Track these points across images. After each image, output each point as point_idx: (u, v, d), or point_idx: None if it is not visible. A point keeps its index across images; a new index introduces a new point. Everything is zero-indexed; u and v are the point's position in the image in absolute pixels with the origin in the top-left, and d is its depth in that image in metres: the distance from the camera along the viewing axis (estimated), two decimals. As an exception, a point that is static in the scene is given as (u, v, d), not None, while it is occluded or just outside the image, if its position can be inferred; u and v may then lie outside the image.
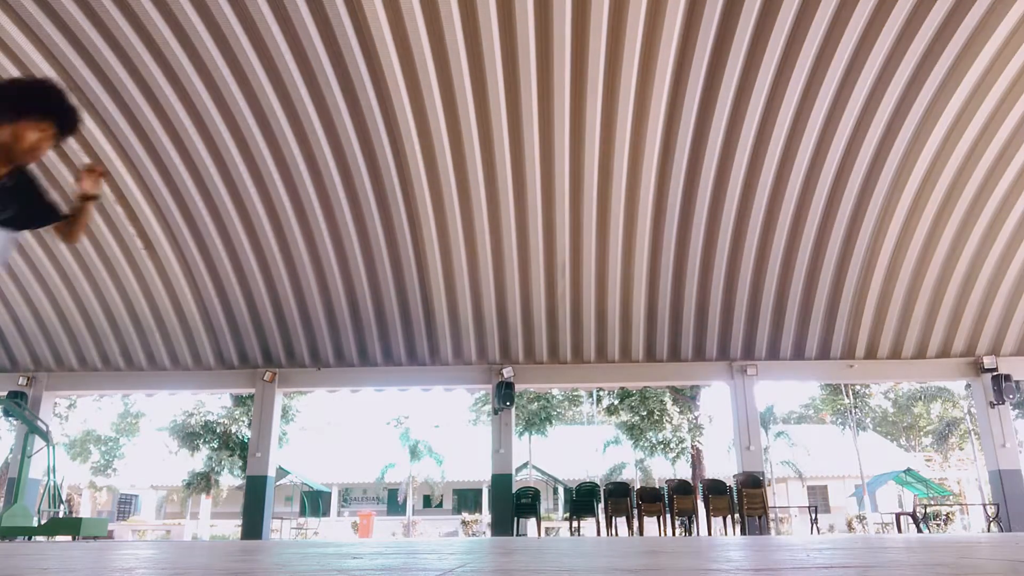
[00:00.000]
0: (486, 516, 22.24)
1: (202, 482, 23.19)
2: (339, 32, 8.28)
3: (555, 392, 25.56)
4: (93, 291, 11.64)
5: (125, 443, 29.45)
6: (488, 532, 14.64)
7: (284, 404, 16.73)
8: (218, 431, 22.37)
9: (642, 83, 8.88)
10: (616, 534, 11.73)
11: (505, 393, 11.76)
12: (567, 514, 14.75)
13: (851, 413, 28.87)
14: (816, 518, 13.75)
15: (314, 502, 26.47)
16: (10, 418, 16.65)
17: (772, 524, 13.61)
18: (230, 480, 23.99)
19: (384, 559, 2.07)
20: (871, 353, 11.76)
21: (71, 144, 9.80)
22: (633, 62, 8.58)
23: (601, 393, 23.53)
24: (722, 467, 20.53)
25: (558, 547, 3.28)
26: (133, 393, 20.61)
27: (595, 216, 10.34)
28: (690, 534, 11.85)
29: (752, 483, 11.22)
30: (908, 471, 22.26)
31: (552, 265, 10.91)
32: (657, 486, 17.00)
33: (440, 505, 29.04)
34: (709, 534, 11.56)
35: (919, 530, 13.49)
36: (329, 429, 33.84)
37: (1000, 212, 10.40)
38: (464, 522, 25.57)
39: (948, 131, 9.48)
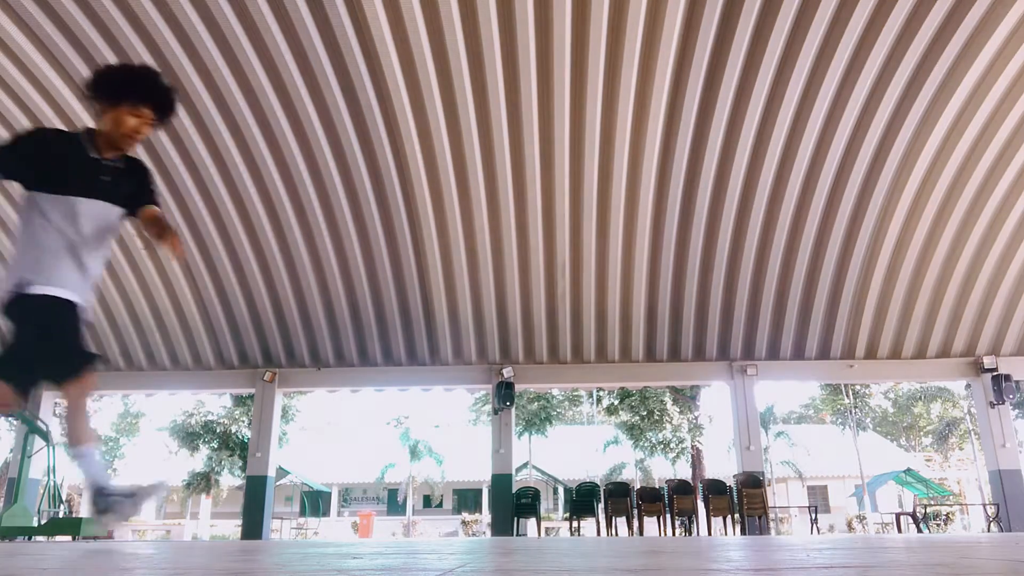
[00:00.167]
0: (486, 516, 22.24)
1: (202, 482, 23.21)
2: (339, 32, 8.28)
3: (555, 392, 25.57)
4: (93, 291, 11.62)
5: (125, 443, 29.46)
6: (488, 532, 14.64)
7: (284, 404, 16.73)
8: (218, 431, 22.39)
9: (642, 83, 8.88)
10: (616, 534, 11.73)
11: (505, 393, 11.76)
12: (567, 514, 14.75)
13: (851, 413, 28.88)
14: (816, 518, 13.75)
15: (314, 502, 26.48)
16: (10, 418, 16.65)
17: (772, 524, 13.61)
18: (230, 480, 24.01)
19: (384, 559, 2.07)
20: (871, 353, 11.76)
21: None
22: (633, 62, 8.58)
23: (601, 393, 23.54)
24: (722, 467, 20.53)
25: (558, 547, 3.28)
26: (133, 393, 20.62)
27: (595, 216, 10.34)
28: (690, 534, 11.85)
29: (752, 483, 11.22)
30: (908, 471, 22.27)
31: (552, 265, 10.91)
32: (657, 486, 17.01)
33: (440, 505, 29.05)
34: (709, 534, 11.56)
35: (919, 530, 13.49)
36: (329, 429, 33.86)
37: (1000, 212, 10.40)
38: (464, 522, 25.58)
39: (948, 131, 9.48)
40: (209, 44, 8.48)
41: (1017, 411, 20.83)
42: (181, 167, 9.96)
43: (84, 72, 8.89)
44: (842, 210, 10.32)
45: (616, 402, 22.96)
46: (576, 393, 27.11)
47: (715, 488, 11.67)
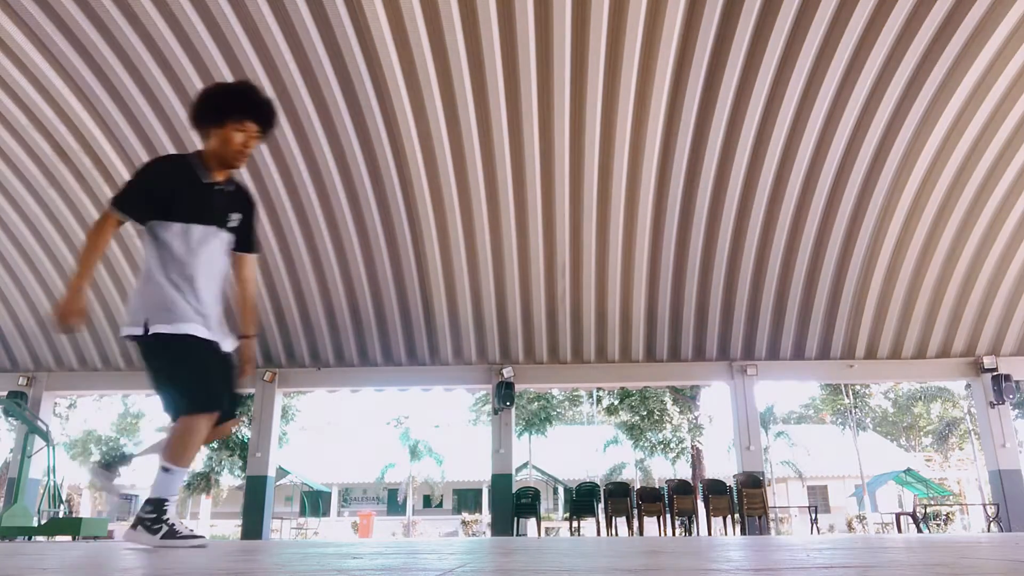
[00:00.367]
0: (486, 516, 22.24)
1: (202, 482, 23.21)
2: (339, 32, 8.28)
3: (555, 392, 25.57)
4: (93, 291, 11.63)
5: (126, 443, 29.45)
6: (488, 532, 14.63)
7: (284, 404, 16.73)
8: (218, 431, 22.35)
9: (642, 83, 8.88)
10: (616, 534, 11.73)
11: (505, 393, 11.76)
12: (567, 514, 14.75)
13: (851, 413, 28.89)
14: (816, 518, 13.75)
15: (314, 502, 26.48)
16: (10, 418, 16.65)
17: (772, 524, 13.60)
18: (230, 480, 24.01)
19: (384, 559, 2.07)
20: (871, 353, 11.76)
21: (70, 144, 9.81)
22: (633, 62, 8.58)
23: (601, 393, 23.54)
24: (722, 467, 20.53)
25: (558, 547, 3.28)
26: (133, 393, 20.62)
27: (595, 216, 10.34)
28: (690, 534, 11.85)
29: (752, 483, 11.22)
30: (908, 471, 22.27)
31: (552, 265, 10.91)
32: (657, 486, 17.01)
33: (440, 505, 29.05)
34: (709, 534, 11.56)
35: (919, 530, 13.49)
36: (329, 429, 33.86)
37: (1000, 212, 10.40)
38: (464, 522, 25.58)
39: (948, 131, 9.48)
40: (209, 44, 8.48)
41: (1017, 411, 20.83)
42: (181, 167, 9.95)
43: (84, 72, 8.89)
44: (842, 210, 10.32)
45: (616, 402, 22.97)
46: (576, 393, 27.12)
47: (715, 488, 11.67)
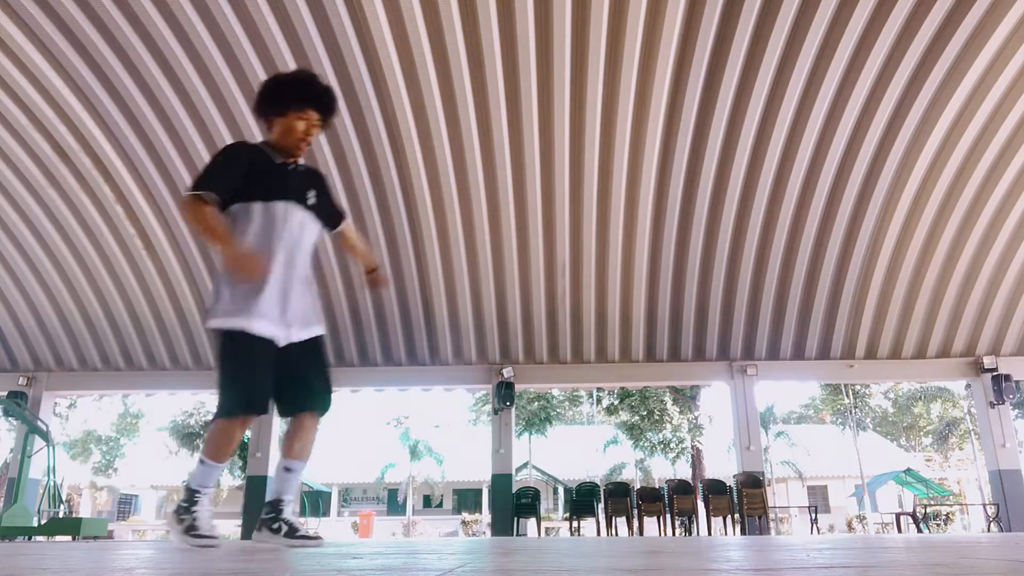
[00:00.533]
0: (486, 516, 22.24)
1: (202, 482, 23.16)
2: (339, 32, 8.28)
3: (555, 392, 25.57)
4: (93, 291, 11.64)
5: (126, 443, 29.47)
6: (488, 532, 14.63)
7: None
8: (218, 431, 22.35)
9: (642, 83, 8.88)
10: (616, 534, 11.73)
11: (505, 393, 11.76)
12: (567, 514, 14.75)
13: (851, 413, 28.89)
14: (816, 518, 13.75)
15: (314, 502, 26.47)
16: (10, 418, 16.65)
17: (772, 524, 13.61)
18: (230, 480, 24.00)
19: (384, 559, 2.07)
20: (871, 353, 11.76)
21: (70, 144, 9.81)
22: (633, 62, 8.58)
23: (601, 393, 23.55)
24: (722, 467, 20.53)
25: (558, 547, 3.28)
26: (133, 393, 20.63)
27: (595, 216, 10.34)
28: (690, 534, 11.85)
29: (752, 483, 11.22)
30: (908, 471, 22.26)
31: (552, 265, 10.91)
32: (657, 486, 17.01)
33: (440, 505, 29.05)
34: (709, 534, 11.56)
35: (919, 530, 13.49)
36: (329, 429, 33.84)
37: (1000, 212, 10.40)
38: (464, 522, 25.57)
39: (948, 131, 9.48)
40: (209, 44, 8.48)
41: (1017, 411, 20.84)
42: (181, 167, 9.95)
43: (84, 72, 8.89)
44: (842, 210, 10.32)
45: (616, 402, 22.97)
46: (576, 393, 27.13)
47: (715, 488, 11.67)
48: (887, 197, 10.21)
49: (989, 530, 12.09)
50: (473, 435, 28.38)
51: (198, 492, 2.71)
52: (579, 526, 13.15)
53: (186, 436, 22.39)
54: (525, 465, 25.27)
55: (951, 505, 23.41)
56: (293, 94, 2.81)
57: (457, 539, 12.11)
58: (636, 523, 11.63)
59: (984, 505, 13.93)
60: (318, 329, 2.83)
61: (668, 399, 22.26)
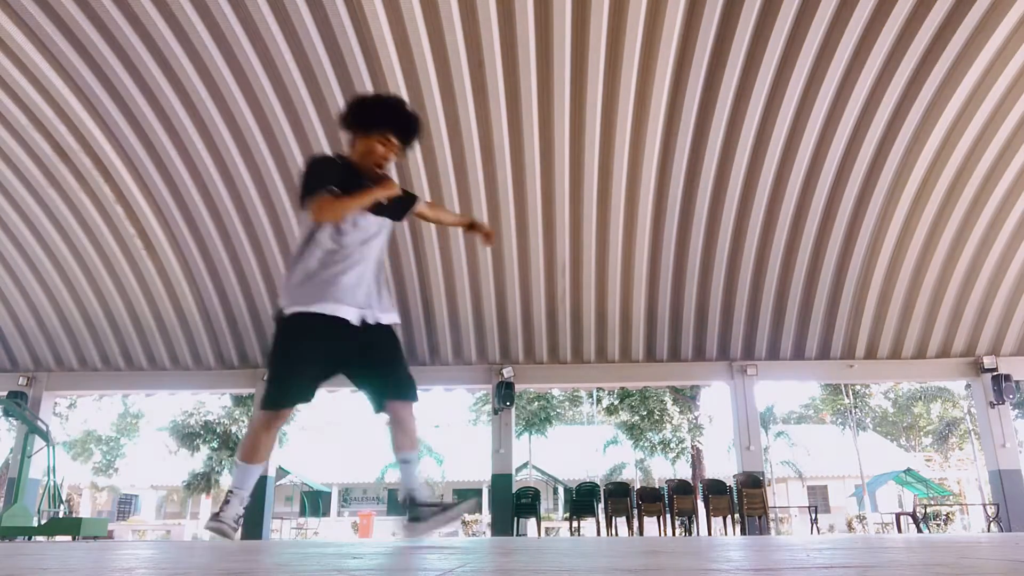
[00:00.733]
0: (486, 516, 22.24)
1: (202, 482, 23.20)
2: (339, 32, 8.28)
3: (555, 392, 25.56)
4: (93, 291, 11.64)
5: (126, 443, 29.46)
6: (488, 532, 14.63)
7: (284, 404, 16.68)
8: (218, 431, 22.39)
9: (642, 83, 8.87)
10: (616, 534, 11.73)
11: (505, 393, 11.76)
12: (567, 514, 14.75)
13: (851, 413, 28.89)
14: (816, 518, 13.75)
15: (314, 502, 26.47)
16: (10, 418, 16.65)
17: (772, 524, 13.61)
18: (230, 480, 23.98)
19: (384, 559, 2.07)
20: (871, 353, 11.76)
21: (70, 144, 9.81)
22: (633, 62, 8.58)
23: (601, 393, 23.54)
24: (722, 467, 20.53)
25: (558, 547, 3.28)
26: (133, 393, 20.62)
27: (595, 216, 10.34)
28: (690, 534, 11.85)
29: (752, 483, 11.22)
30: (908, 471, 22.27)
31: (552, 265, 10.91)
32: (657, 486, 17.01)
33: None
34: (709, 534, 11.56)
35: (919, 530, 13.49)
36: (329, 429, 33.82)
37: (1000, 212, 10.40)
38: (464, 522, 25.56)
39: (948, 131, 9.48)
40: (209, 44, 8.48)
41: (1017, 411, 20.83)
42: (181, 167, 9.96)
43: (84, 72, 8.89)
44: (842, 210, 10.31)
45: (616, 402, 22.95)
46: (576, 393, 27.12)
47: (715, 488, 11.67)
48: (887, 197, 10.21)
49: (989, 530, 12.09)
50: (473, 435, 28.36)
51: (231, 492, 2.84)
52: (579, 526, 13.14)
53: (186, 436, 22.38)
54: (525, 465, 25.26)
55: (951, 505, 23.41)
56: (379, 117, 2.86)
57: (457, 539, 12.11)
58: (636, 523, 11.63)
59: (984, 505, 13.93)
60: (395, 317, 2.93)
61: (668, 399, 22.26)
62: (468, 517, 25.93)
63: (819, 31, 8.33)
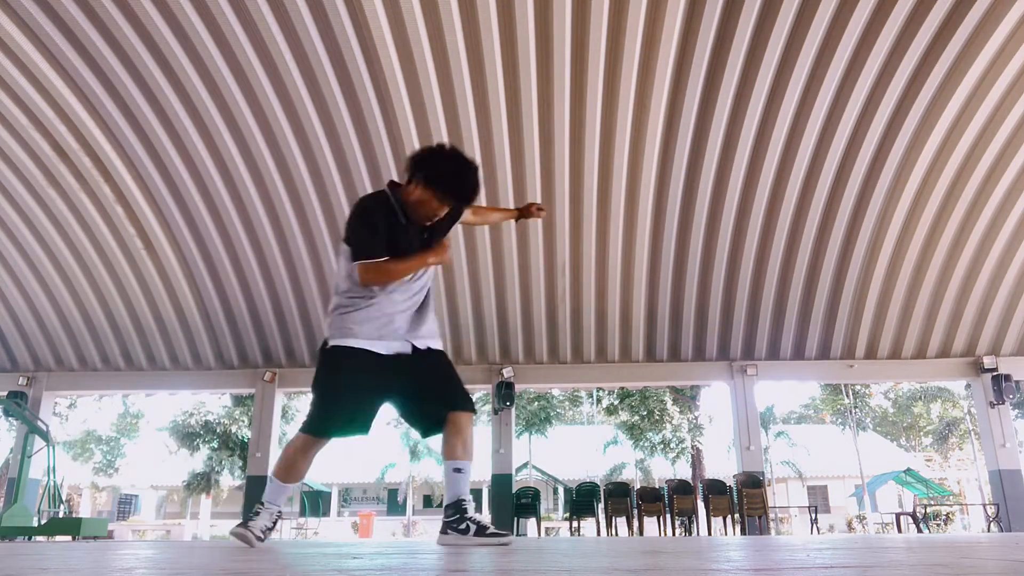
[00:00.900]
0: (486, 516, 22.23)
1: (202, 482, 23.21)
2: (339, 32, 8.28)
3: (555, 392, 25.57)
4: (93, 291, 11.64)
5: (126, 443, 29.46)
6: (488, 532, 14.60)
7: (284, 404, 16.73)
8: (218, 431, 22.39)
9: (642, 83, 8.87)
10: (616, 534, 11.73)
11: (505, 393, 11.76)
12: (567, 514, 14.74)
13: (851, 413, 28.89)
14: (816, 518, 13.76)
15: (314, 502, 26.47)
16: (10, 418, 16.65)
17: (772, 524, 13.60)
18: (230, 480, 24.00)
19: (384, 559, 2.07)
20: (871, 353, 11.76)
21: (70, 144, 9.81)
22: (633, 62, 8.58)
23: (601, 393, 23.54)
24: (722, 467, 20.53)
25: (558, 547, 3.28)
26: (133, 393, 20.63)
27: (595, 216, 10.34)
28: (690, 534, 11.85)
29: (752, 483, 11.22)
30: (908, 471, 22.27)
31: (552, 265, 10.91)
32: (657, 486, 17.01)
33: (440, 505, 29.03)
34: (709, 534, 11.56)
35: (919, 530, 13.49)
36: (329, 429, 33.78)
37: (1000, 212, 10.40)
38: (464, 522, 25.54)
39: (948, 131, 9.48)
40: (209, 44, 8.48)
41: (1017, 411, 20.83)
42: (181, 167, 9.96)
43: (84, 72, 8.88)
44: (842, 210, 10.31)
45: (616, 402, 22.97)
46: (576, 393, 27.12)
47: (715, 488, 11.67)
48: (887, 197, 10.21)
49: (989, 530, 12.09)
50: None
51: (262, 504, 2.96)
52: (579, 526, 13.14)
53: (186, 436, 22.38)
54: (525, 465, 25.26)
55: (951, 505, 23.41)
56: (454, 182, 2.80)
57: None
58: (636, 523, 11.63)
59: (984, 505, 13.93)
60: (440, 344, 3.02)
61: (668, 399, 22.26)
62: (468, 517, 25.92)
63: (819, 31, 8.33)
